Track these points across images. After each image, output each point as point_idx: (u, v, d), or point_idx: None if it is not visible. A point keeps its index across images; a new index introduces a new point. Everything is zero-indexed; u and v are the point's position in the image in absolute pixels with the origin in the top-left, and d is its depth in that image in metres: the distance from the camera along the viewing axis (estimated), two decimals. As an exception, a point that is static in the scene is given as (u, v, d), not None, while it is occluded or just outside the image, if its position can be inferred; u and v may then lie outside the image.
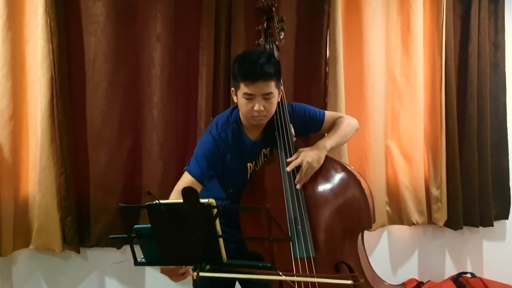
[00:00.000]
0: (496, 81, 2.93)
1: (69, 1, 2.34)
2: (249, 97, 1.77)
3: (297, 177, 1.85)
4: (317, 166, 1.87)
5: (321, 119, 2.04)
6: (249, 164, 1.93)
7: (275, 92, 1.80)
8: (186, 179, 1.82)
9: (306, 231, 1.81)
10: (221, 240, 1.41)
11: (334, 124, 2.04)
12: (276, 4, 2.07)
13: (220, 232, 1.40)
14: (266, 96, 1.77)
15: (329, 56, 2.59)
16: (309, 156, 1.86)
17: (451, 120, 2.77)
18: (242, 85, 1.77)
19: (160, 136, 2.43)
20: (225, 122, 1.90)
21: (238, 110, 1.90)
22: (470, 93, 2.82)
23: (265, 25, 2.07)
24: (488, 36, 2.86)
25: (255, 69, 1.73)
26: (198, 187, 1.78)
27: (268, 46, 2.05)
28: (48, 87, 2.25)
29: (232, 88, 1.86)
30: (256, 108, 1.77)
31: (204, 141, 1.90)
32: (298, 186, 1.85)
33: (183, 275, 1.68)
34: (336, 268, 1.80)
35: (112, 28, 2.36)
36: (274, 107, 1.84)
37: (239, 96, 1.80)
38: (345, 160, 2.58)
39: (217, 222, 1.38)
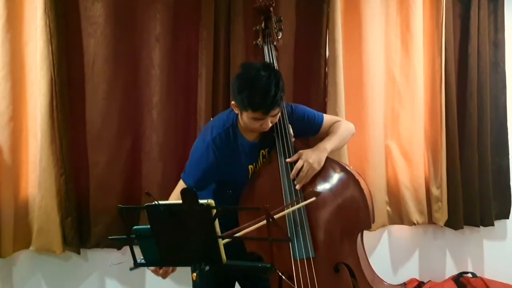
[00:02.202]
0: (496, 80, 2.92)
1: (68, 2, 2.34)
2: (258, 120, 1.76)
3: (297, 178, 1.85)
4: (317, 167, 1.87)
5: (320, 122, 2.04)
6: (250, 167, 1.92)
7: (280, 108, 1.82)
8: (180, 186, 1.86)
9: (306, 232, 1.81)
10: (220, 241, 1.41)
11: (332, 128, 2.04)
12: (273, 4, 2.07)
13: (219, 233, 1.40)
14: (274, 116, 1.78)
15: (328, 56, 2.59)
16: (310, 157, 1.86)
17: (451, 120, 2.77)
18: (250, 111, 1.73)
19: (160, 136, 2.43)
20: (220, 127, 1.88)
21: (235, 113, 1.88)
22: (470, 93, 2.82)
23: (263, 25, 2.07)
24: (488, 35, 2.85)
25: (267, 102, 1.70)
26: None
27: (266, 47, 2.05)
28: (47, 88, 2.25)
29: (233, 102, 1.81)
30: (264, 126, 1.78)
31: (197, 148, 1.89)
32: (297, 187, 1.85)
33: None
34: (335, 268, 1.80)
35: (111, 29, 2.36)
36: (277, 119, 1.85)
37: (245, 116, 1.77)
38: (345, 160, 2.58)
39: (216, 222, 1.38)
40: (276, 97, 1.72)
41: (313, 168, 1.85)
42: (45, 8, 2.22)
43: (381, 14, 2.69)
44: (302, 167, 1.85)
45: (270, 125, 1.80)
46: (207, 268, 1.43)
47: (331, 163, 1.92)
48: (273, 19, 2.08)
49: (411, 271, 2.92)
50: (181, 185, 1.86)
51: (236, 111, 1.83)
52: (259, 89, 1.70)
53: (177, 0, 2.44)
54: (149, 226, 1.39)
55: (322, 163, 1.89)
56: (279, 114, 1.83)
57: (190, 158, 1.90)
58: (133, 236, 1.43)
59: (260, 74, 1.74)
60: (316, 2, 2.58)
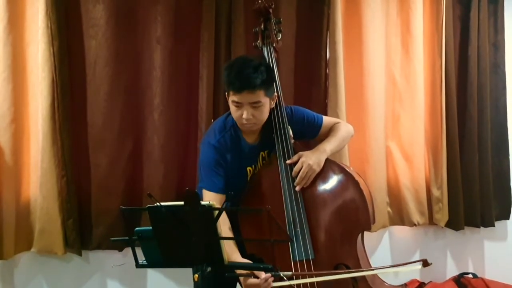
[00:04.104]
0: (496, 81, 2.93)
1: (70, 4, 2.34)
2: (237, 104, 1.78)
3: (297, 179, 1.86)
4: (317, 169, 1.87)
5: (319, 124, 2.05)
6: (248, 168, 1.93)
7: (264, 100, 1.80)
8: (208, 196, 1.81)
9: (305, 233, 1.81)
10: (222, 242, 1.41)
11: (331, 130, 2.04)
12: (273, 6, 2.07)
13: (221, 234, 1.40)
14: (254, 105, 1.78)
15: (329, 57, 2.60)
16: (310, 159, 1.86)
17: (452, 121, 2.77)
18: (230, 93, 1.79)
19: (161, 138, 2.43)
20: (222, 128, 1.91)
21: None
22: (470, 94, 2.83)
23: (262, 26, 2.08)
24: (488, 36, 2.86)
25: (240, 79, 1.74)
26: (223, 198, 1.78)
27: (265, 48, 2.06)
28: (49, 90, 2.25)
29: (226, 93, 1.87)
30: (244, 116, 1.78)
31: (206, 152, 1.89)
32: (297, 188, 1.85)
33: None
34: (335, 269, 1.80)
35: (112, 31, 2.37)
36: (264, 115, 1.84)
37: (230, 102, 1.82)
38: (346, 161, 2.59)
39: (218, 223, 1.38)
40: (250, 77, 1.73)
41: (313, 170, 1.86)
42: (46, 10, 2.22)
43: (382, 15, 2.70)
44: (301, 169, 1.85)
45: (251, 118, 1.78)
46: (209, 269, 1.43)
47: (330, 164, 1.93)
48: (272, 20, 2.08)
49: (412, 271, 2.92)
50: (206, 196, 1.82)
51: (228, 101, 1.86)
52: (236, 68, 1.77)
53: (178, 2, 2.44)
54: (150, 228, 1.40)
55: (322, 164, 1.89)
56: (264, 108, 1.81)
57: (201, 167, 1.90)
58: (135, 237, 1.43)
59: (246, 57, 1.85)
60: (316, 3, 2.58)
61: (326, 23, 2.58)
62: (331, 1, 2.56)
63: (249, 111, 1.78)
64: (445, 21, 2.74)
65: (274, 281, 1.61)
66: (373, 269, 1.83)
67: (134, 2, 2.42)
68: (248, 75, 1.74)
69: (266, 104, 1.82)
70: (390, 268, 1.85)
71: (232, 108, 1.81)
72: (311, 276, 1.70)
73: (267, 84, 1.80)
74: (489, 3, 2.85)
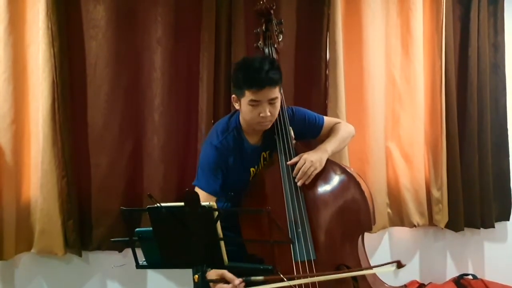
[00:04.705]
0: (496, 82, 2.93)
1: (70, 5, 2.34)
2: (255, 103, 1.78)
3: (299, 174, 1.86)
4: (319, 167, 1.88)
5: (320, 124, 2.06)
6: (252, 169, 1.94)
7: (279, 96, 1.82)
8: (200, 195, 1.82)
9: (307, 233, 1.81)
10: (222, 243, 1.41)
11: (332, 130, 2.05)
12: (274, 7, 2.08)
13: (221, 235, 1.40)
14: (271, 101, 1.79)
15: (329, 58, 2.60)
16: (312, 157, 1.88)
17: (451, 122, 2.77)
18: (247, 93, 1.77)
19: (161, 139, 2.43)
20: (224, 130, 1.91)
21: (237, 116, 1.90)
22: (470, 95, 2.83)
23: (263, 27, 2.08)
24: (487, 37, 2.86)
25: (261, 76, 1.74)
26: (214, 199, 1.79)
27: (266, 49, 2.06)
28: (49, 90, 2.25)
29: (233, 96, 1.86)
30: (263, 114, 1.78)
31: (207, 152, 1.89)
32: (299, 183, 1.86)
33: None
34: (336, 270, 1.80)
35: (113, 32, 2.37)
36: (277, 111, 1.86)
37: (244, 103, 1.80)
38: (346, 162, 2.59)
39: (218, 224, 1.39)
40: (269, 73, 1.74)
41: (314, 166, 1.86)
42: (47, 11, 2.22)
43: (382, 16, 2.70)
44: (303, 165, 1.86)
45: (269, 115, 1.79)
46: (209, 269, 1.44)
47: (332, 165, 1.93)
48: (274, 21, 2.09)
49: (412, 273, 2.93)
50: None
51: (236, 105, 1.86)
52: (253, 66, 1.77)
53: (178, 3, 2.44)
54: (151, 228, 1.40)
55: (323, 163, 1.90)
56: (278, 104, 1.82)
57: (201, 165, 1.90)
58: (135, 238, 1.43)
59: (256, 57, 1.85)
60: (316, 4, 2.59)
61: (326, 23, 2.58)
62: (331, 1, 2.57)
63: (267, 108, 1.78)
64: (445, 22, 2.74)
65: (270, 282, 1.59)
66: (350, 271, 1.77)
67: (134, 3, 2.42)
68: (268, 71, 1.75)
69: (280, 100, 1.84)
70: (363, 271, 1.80)
71: (247, 108, 1.80)
72: (292, 279, 1.64)
73: (281, 79, 1.83)
74: (489, 4, 2.86)
